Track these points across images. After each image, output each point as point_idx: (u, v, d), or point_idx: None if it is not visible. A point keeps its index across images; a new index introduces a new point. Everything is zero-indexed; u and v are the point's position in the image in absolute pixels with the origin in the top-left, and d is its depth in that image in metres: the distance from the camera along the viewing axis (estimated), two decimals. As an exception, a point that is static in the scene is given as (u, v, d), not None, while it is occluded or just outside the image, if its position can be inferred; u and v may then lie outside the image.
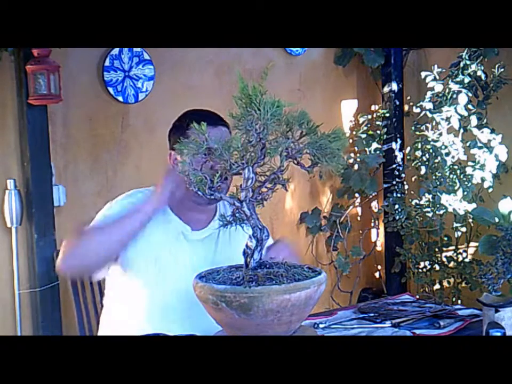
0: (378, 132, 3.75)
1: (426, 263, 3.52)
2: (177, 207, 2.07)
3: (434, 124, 3.41)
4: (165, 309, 1.99)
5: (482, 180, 3.31)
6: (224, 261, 2.02)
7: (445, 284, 3.52)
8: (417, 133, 3.49)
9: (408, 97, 3.76)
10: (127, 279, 2.03)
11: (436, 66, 3.38)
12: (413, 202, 3.49)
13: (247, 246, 1.47)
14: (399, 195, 3.61)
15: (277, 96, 1.40)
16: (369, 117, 3.78)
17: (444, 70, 3.40)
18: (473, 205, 3.28)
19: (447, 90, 3.36)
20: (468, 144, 3.34)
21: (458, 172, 3.36)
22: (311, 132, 1.43)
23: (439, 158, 3.36)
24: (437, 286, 3.53)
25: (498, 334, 1.67)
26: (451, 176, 3.36)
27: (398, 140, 3.74)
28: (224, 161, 1.41)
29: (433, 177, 3.40)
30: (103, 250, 1.94)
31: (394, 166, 3.71)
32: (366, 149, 3.70)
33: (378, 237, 3.97)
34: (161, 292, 2.00)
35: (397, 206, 3.56)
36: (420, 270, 3.54)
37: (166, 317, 1.98)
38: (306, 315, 1.47)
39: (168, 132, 2.10)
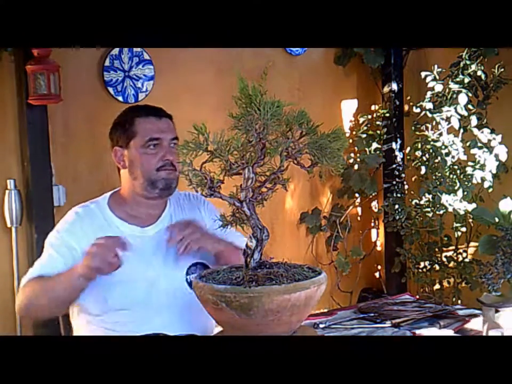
0: (378, 132, 3.76)
1: (426, 263, 3.53)
2: (122, 205, 2.07)
3: (434, 124, 3.41)
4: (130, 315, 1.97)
5: (482, 179, 3.31)
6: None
7: (445, 283, 3.52)
8: (417, 133, 3.50)
9: (408, 97, 3.76)
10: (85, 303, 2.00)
11: (436, 66, 3.38)
12: (413, 202, 3.49)
13: (247, 246, 1.47)
14: (399, 195, 3.61)
15: (277, 96, 1.40)
16: (369, 117, 3.78)
17: (444, 70, 3.40)
18: (473, 205, 3.29)
19: (447, 90, 3.36)
20: (468, 144, 3.35)
21: (458, 172, 3.36)
22: (311, 131, 1.43)
23: (439, 158, 3.36)
24: (437, 286, 3.54)
25: (498, 334, 1.67)
26: (451, 176, 3.36)
27: (398, 139, 3.74)
28: (224, 161, 1.41)
29: (433, 177, 3.40)
30: (48, 305, 1.95)
31: (394, 166, 3.71)
32: (366, 149, 3.70)
33: (378, 237, 3.98)
34: (125, 298, 1.97)
35: (397, 206, 3.56)
36: (420, 270, 3.54)
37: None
38: (307, 315, 1.47)
39: (110, 130, 2.15)
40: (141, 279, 1.98)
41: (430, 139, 3.41)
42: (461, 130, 3.36)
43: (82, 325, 2.04)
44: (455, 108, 3.32)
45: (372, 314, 2.11)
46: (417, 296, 2.30)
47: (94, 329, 2.00)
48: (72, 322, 2.09)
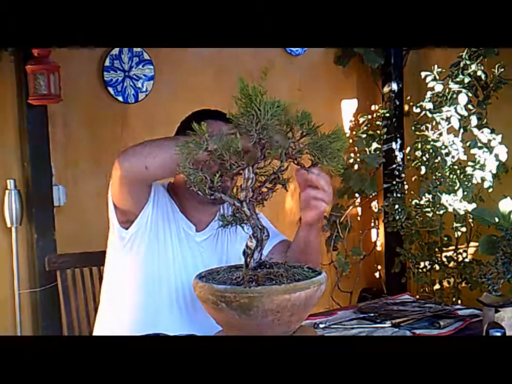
0: (378, 132, 3.76)
1: (426, 263, 3.53)
2: (184, 206, 2.07)
3: (434, 124, 3.42)
4: (159, 308, 1.99)
5: (482, 179, 3.31)
6: (223, 262, 2.02)
7: (445, 283, 3.52)
8: (417, 133, 3.50)
9: (408, 97, 3.76)
10: (127, 273, 2.01)
11: (436, 66, 3.38)
12: (413, 202, 3.49)
13: (247, 246, 1.47)
14: (399, 195, 3.61)
15: (277, 96, 1.40)
16: (369, 117, 3.78)
17: (444, 70, 3.40)
18: (473, 205, 3.29)
19: (447, 90, 3.36)
20: (468, 144, 3.35)
21: (458, 171, 3.36)
22: (311, 132, 1.43)
23: (439, 158, 3.36)
24: (437, 286, 3.54)
25: (498, 334, 1.67)
26: (451, 176, 3.36)
27: (398, 140, 3.74)
28: (224, 161, 1.41)
29: (433, 177, 3.40)
30: (163, 159, 1.79)
31: (394, 166, 3.72)
32: (366, 149, 3.71)
33: (378, 237, 3.98)
34: (157, 290, 1.99)
35: (397, 206, 3.56)
36: (420, 270, 3.54)
37: (159, 315, 1.97)
38: (306, 315, 1.47)
39: (176, 131, 2.08)
40: (174, 282, 2.00)
41: (430, 139, 3.41)
42: (461, 130, 3.36)
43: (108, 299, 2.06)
44: (455, 108, 3.32)
45: (372, 314, 2.11)
46: (417, 296, 2.29)
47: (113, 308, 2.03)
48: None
